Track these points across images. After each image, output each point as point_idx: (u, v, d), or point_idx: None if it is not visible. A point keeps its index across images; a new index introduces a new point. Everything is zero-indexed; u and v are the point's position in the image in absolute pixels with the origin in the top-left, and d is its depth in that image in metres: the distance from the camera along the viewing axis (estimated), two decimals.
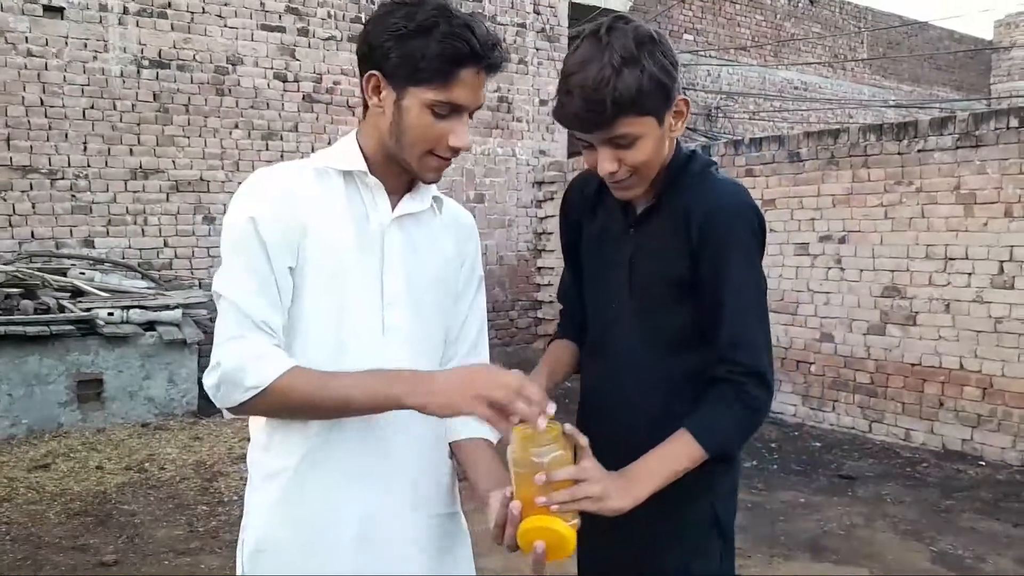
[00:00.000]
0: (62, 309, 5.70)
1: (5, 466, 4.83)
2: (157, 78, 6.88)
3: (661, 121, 1.36)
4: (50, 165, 6.50)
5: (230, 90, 7.18)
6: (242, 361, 1.18)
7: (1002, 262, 5.14)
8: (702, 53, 12.03)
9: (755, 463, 5.23)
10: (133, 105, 6.79)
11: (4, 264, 6.04)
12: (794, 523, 4.18)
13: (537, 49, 8.95)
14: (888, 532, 4.07)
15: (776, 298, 6.27)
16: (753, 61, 12.87)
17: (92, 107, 6.64)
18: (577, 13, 9.48)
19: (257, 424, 1.33)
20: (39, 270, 6.08)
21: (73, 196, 6.60)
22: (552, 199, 8.63)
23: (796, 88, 13.44)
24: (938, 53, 15.54)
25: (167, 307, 6.02)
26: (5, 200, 6.34)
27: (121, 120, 6.75)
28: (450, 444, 1.42)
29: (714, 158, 6.69)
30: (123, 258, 6.77)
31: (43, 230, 6.49)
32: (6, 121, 6.32)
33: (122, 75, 6.74)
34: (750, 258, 1.40)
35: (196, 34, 7.02)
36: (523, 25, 8.84)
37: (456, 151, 1.28)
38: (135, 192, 6.84)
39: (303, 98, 7.53)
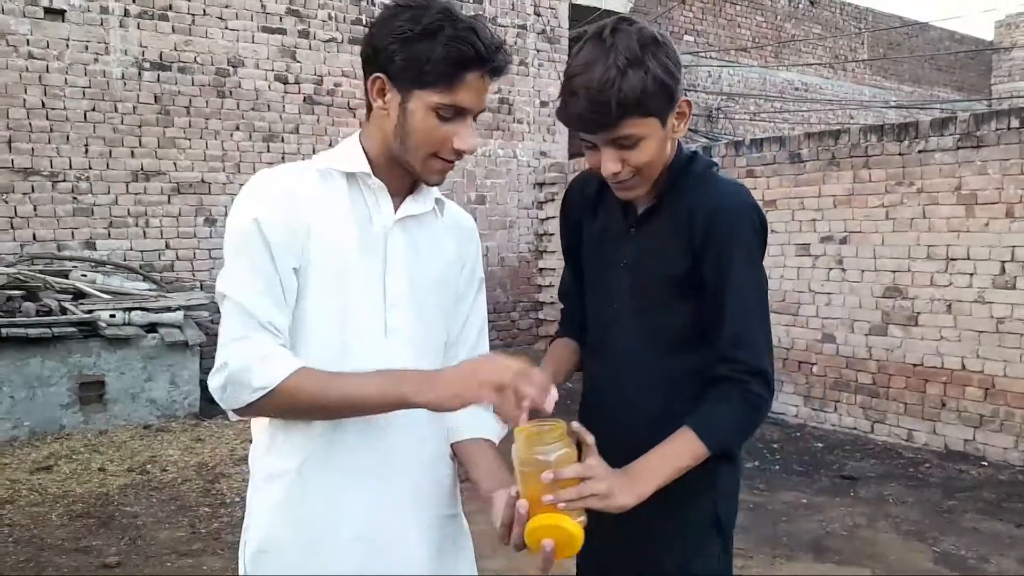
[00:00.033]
0: (64, 311, 5.70)
1: (7, 468, 4.84)
2: (158, 80, 6.89)
3: (664, 122, 1.37)
4: (51, 167, 6.51)
5: (231, 92, 7.19)
6: (249, 361, 1.18)
7: (1004, 262, 5.14)
8: (702, 54, 12.03)
9: (757, 464, 5.22)
10: (134, 107, 6.80)
11: (6, 266, 6.04)
12: (796, 524, 4.18)
13: (538, 51, 8.96)
14: (891, 533, 4.07)
15: (778, 299, 6.27)
16: (754, 62, 12.88)
17: (93, 109, 6.65)
18: (577, 15, 9.49)
19: (259, 425, 1.33)
20: (41, 272, 6.09)
21: (75, 198, 6.61)
22: (553, 200, 8.64)
23: (797, 89, 13.44)
24: (939, 54, 15.54)
25: (169, 309, 6.03)
26: (7, 202, 6.35)
27: (122, 122, 6.76)
28: (452, 445, 1.42)
29: (715, 159, 6.70)
30: (124, 260, 6.77)
31: (45, 232, 6.50)
32: (7, 123, 6.33)
33: (123, 77, 6.75)
34: (752, 258, 1.41)
35: (197, 36, 7.03)
36: (524, 27, 8.85)
37: (460, 154, 1.29)
38: (136, 194, 6.85)
39: (304, 100, 7.54)
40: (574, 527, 1.17)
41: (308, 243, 1.25)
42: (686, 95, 1.42)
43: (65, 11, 6.50)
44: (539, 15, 8.96)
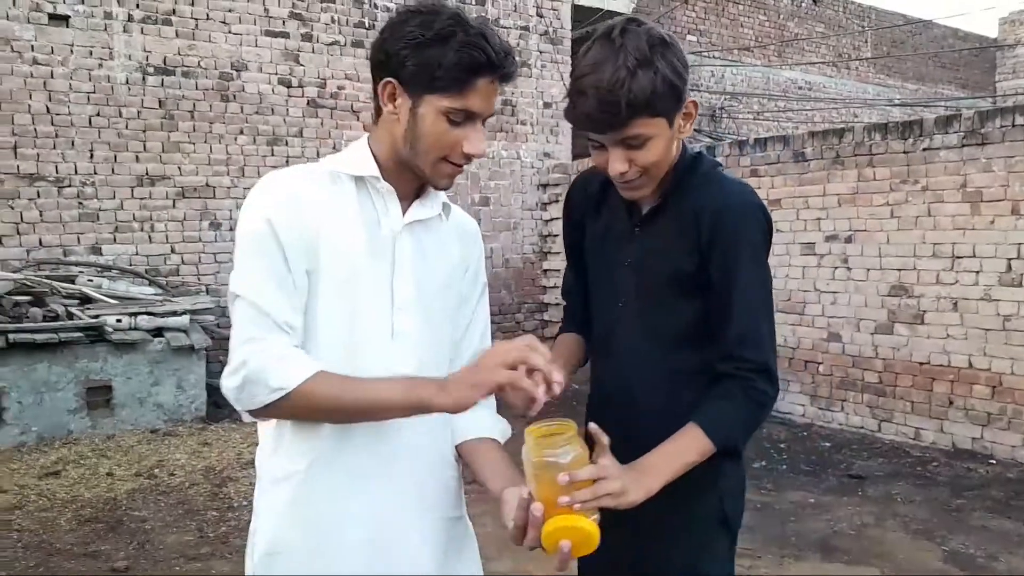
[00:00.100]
0: (70, 316, 5.72)
1: (16, 473, 4.85)
2: (162, 85, 6.90)
3: (671, 122, 1.38)
4: (57, 173, 6.53)
5: (235, 96, 7.21)
6: (266, 362, 1.18)
7: (1010, 260, 5.12)
8: (706, 54, 12.03)
9: (764, 463, 5.22)
10: (139, 112, 6.82)
11: (12, 272, 6.07)
12: (804, 523, 4.17)
13: (540, 52, 8.96)
14: (899, 532, 4.06)
15: (783, 298, 6.27)
16: (757, 61, 12.87)
17: (98, 114, 6.67)
18: (580, 16, 9.50)
19: (266, 427, 1.34)
20: (47, 277, 6.12)
21: (80, 203, 6.63)
22: (557, 201, 8.63)
23: (800, 88, 13.43)
24: (943, 51, 15.51)
25: (175, 313, 6.04)
26: (13, 208, 6.37)
27: (127, 127, 6.78)
28: (456, 447, 1.42)
29: (719, 159, 6.73)
30: (130, 265, 6.79)
31: (51, 237, 6.52)
32: (13, 129, 6.35)
33: (127, 82, 6.76)
34: (758, 257, 1.43)
35: (200, 41, 7.05)
36: (526, 28, 8.85)
37: (470, 158, 1.30)
38: (141, 199, 6.87)
39: (308, 103, 7.55)
40: (591, 527, 1.18)
41: (318, 246, 1.26)
42: (690, 95, 1.42)
43: (69, 17, 6.52)
44: (542, 16, 8.96)
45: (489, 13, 8.44)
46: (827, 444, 5.74)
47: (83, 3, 6.54)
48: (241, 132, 7.24)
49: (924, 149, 5.52)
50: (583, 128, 1.38)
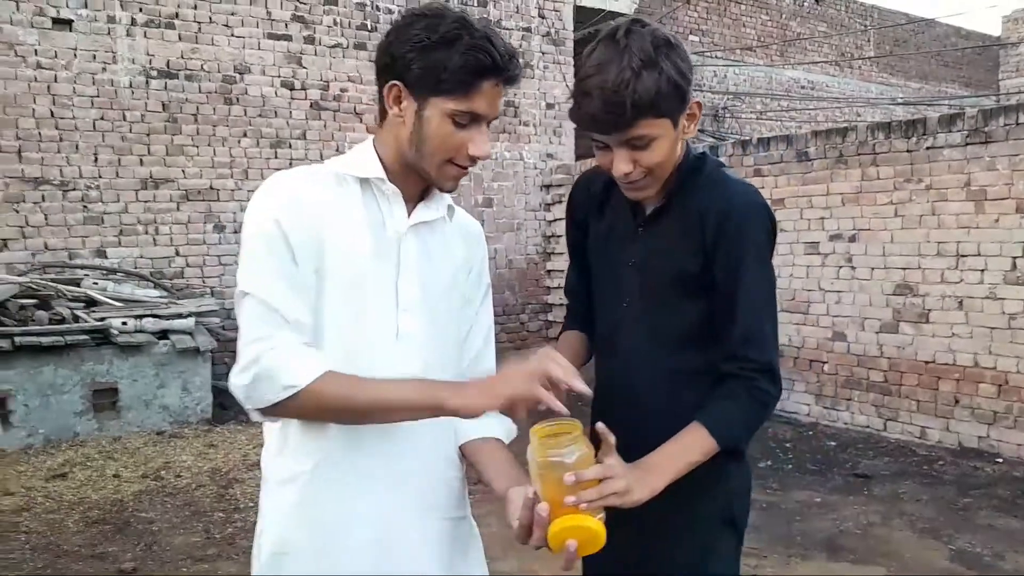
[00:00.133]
0: (76, 319, 5.74)
1: (23, 476, 4.87)
2: (165, 88, 6.92)
3: (676, 123, 1.38)
4: (61, 176, 6.55)
5: (238, 99, 7.22)
6: (278, 359, 1.18)
7: (1015, 258, 5.11)
8: (708, 54, 12.03)
9: (770, 463, 5.21)
10: (142, 115, 6.84)
11: (18, 275, 6.09)
12: (810, 523, 4.17)
13: (543, 53, 8.97)
14: (905, 531, 4.05)
15: (787, 297, 6.26)
16: (759, 61, 12.86)
17: (102, 118, 6.69)
18: (582, 17, 9.50)
19: (271, 429, 1.34)
20: (53, 281, 6.13)
21: (85, 207, 6.65)
22: (560, 202, 8.63)
23: (803, 87, 13.42)
24: (945, 50, 15.49)
25: (180, 316, 6.06)
26: (18, 212, 6.39)
27: (131, 131, 6.80)
28: (460, 447, 1.42)
29: (722, 158, 6.72)
30: (135, 267, 6.81)
31: (56, 241, 6.54)
32: (17, 133, 6.37)
33: (131, 86, 6.78)
34: (762, 257, 1.43)
35: (203, 44, 7.07)
36: (528, 29, 8.86)
37: (475, 160, 1.31)
38: (146, 202, 6.89)
39: (311, 106, 7.56)
40: (597, 526, 1.18)
41: (323, 247, 1.26)
42: (694, 95, 1.43)
43: (72, 21, 6.54)
44: (544, 17, 8.97)
45: (491, 14, 8.45)
46: (833, 443, 5.74)
47: (86, 7, 6.56)
48: (244, 135, 7.26)
49: (928, 148, 5.52)
50: (588, 129, 1.38)
